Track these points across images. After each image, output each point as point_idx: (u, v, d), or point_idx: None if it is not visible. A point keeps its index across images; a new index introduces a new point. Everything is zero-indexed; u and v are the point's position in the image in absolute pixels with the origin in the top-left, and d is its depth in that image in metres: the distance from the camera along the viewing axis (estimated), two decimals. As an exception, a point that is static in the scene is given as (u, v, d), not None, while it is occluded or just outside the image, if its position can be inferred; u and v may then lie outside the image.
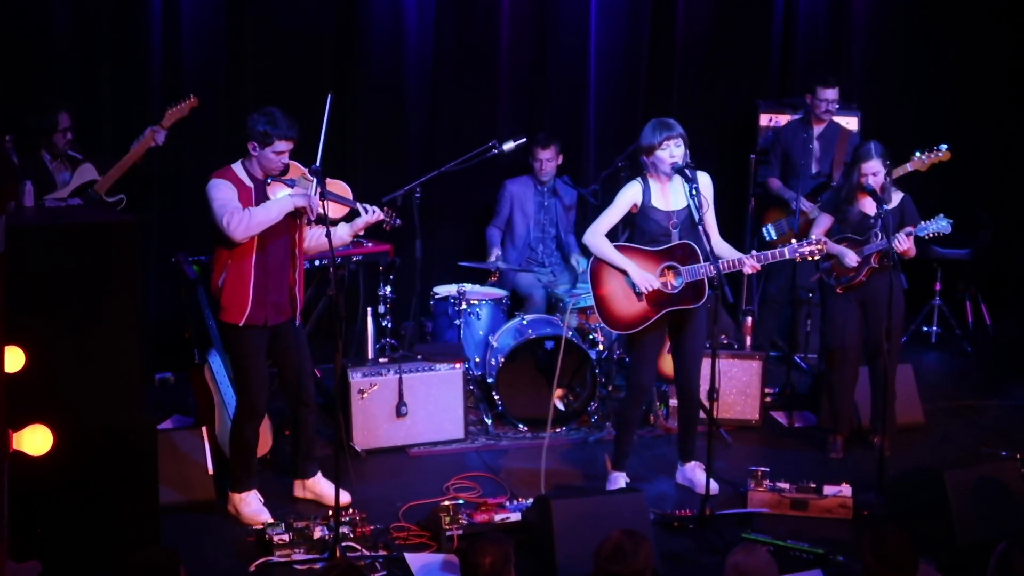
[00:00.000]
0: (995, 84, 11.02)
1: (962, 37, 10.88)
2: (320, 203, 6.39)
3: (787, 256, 6.92)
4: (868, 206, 7.51)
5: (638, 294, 6.86)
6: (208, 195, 6.47)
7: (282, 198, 6.51)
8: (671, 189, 6.90)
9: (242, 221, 6.38)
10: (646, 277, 6.84)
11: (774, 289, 9.26)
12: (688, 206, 6.85)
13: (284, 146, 6.50)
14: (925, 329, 10.29)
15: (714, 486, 6.97)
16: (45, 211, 5.90)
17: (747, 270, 6.92)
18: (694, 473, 7.24)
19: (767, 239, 8.98)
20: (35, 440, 4.23)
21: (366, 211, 6.80)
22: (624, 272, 6.87)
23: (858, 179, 7.44)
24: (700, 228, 6.77)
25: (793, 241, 6.96)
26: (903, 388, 8.04)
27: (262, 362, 6.71)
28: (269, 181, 6.56)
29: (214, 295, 6.66)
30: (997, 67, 10.98)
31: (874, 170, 7.40)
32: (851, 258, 7.46)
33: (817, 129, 9.17)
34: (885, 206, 7.31)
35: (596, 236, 6.91)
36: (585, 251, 7.07)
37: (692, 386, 7.15)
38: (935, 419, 8.46)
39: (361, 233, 7.00)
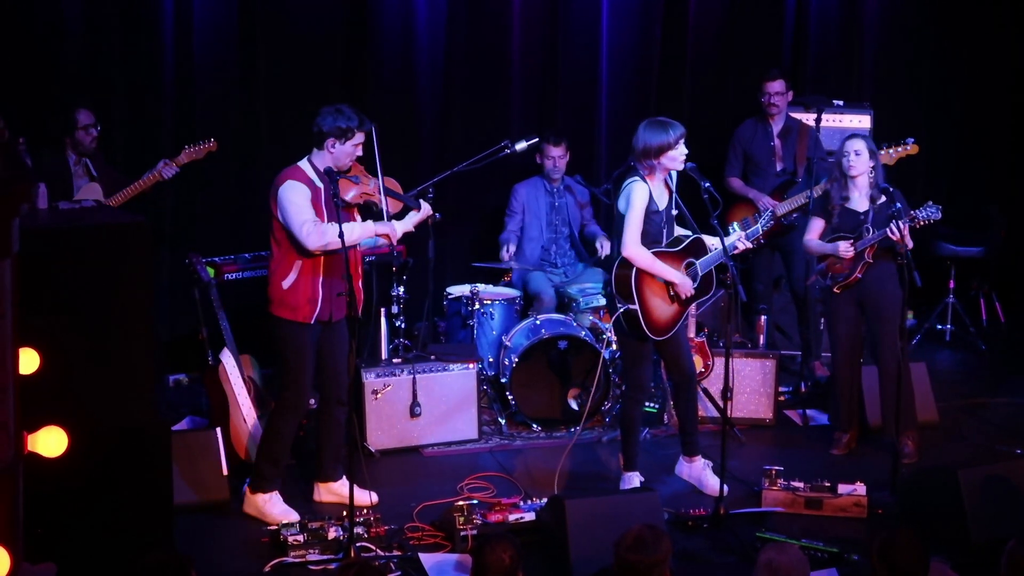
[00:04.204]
0: (1007, 82, 11.00)
1: (973, 35, 10.87)
2: (398, 233, 6.66)
3: (760, 231, 7.08)
4: (856, 203, 7.51)
5: (671, 297, 6.88)
6: (283, 197, 6.44)
7: (367, 227, 6.56)
8: (659, 189, 6.90)
9: (323, 236, 6.39)
10: (687, 283, 6.87)
11: (760, 287, 9.24)
12: (669, 204, 6.91)
13: (361, 138, 6.54)
14: (939, 327, 10.26)
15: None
16: (58, 213, 5.90)
17: (740, 247, 6.95)
18: (702, 472, 7.23)
19: None
20: (50, 442, 4.23)
21: (419, 207, 6.85)
22: (670, 282, 6.86)
23: (843, 163, 7.47)
24: (714, 225, 6.79)
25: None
26: (917, 386, 8.00)
27: (313, 358, 6.69)
28: (337, 178, 6.56)
29: (279, 296, 6.58)
30: (1009, 64, 10.96)
31: (855, 148, 7.43)
32: (844, 247, 7.43)
33: (776, 127, 9.15)
34: (879, 200, 7.33)
35: (638, 247, 6.78)
36: (622, 263, 6.95)
37: (691, 371, 7.18)
38: (949, 417, 8.44)
39: (412, 229, 6.98)
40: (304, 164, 6.58)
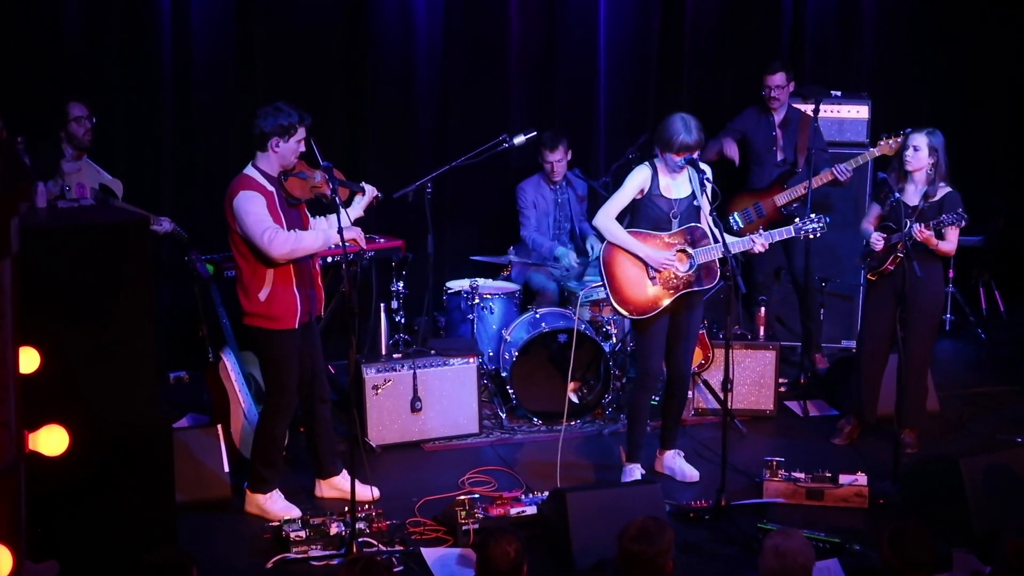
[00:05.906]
0: (1007, 70, 10.98)
1: (973, 24, 10.85)
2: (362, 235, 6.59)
3: (792, 234, 7.13)
4: (909, 196, 7.48)
5: (652, 278, 6.87)
6: (239, 209, 6.37)
7: (334, 232, 6.41)
8: (676, 178, 6.90)
9: (286, 243, 6.35)
10: (661, 256, 6.84)
11: (760, 277, 9.23)
12: (690, 195, 6.89)
13: (303, 133, 6.48)
14: (939, 316, 10.27)
15: (694, 473, 7.17)
16: (58, 212, 5.89)
17: (758, 248, 6.97)
18: (673, 461, 7.29)
19: (734, 228, 8.92)
20: (51, 440, 4.22)
21: (363, 190, 6.84)
22: (638, 256, 6.85)
23: (903, 156, 7.47)
24: (712, 217, 6.79)
25: (797, 220, 7.27)
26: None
27: (298, 359, 6.67)
28: (285, 178, 6.54)
29: (257, 309, 6.51)
30: (1009, 54, 10.95)
31: (915, 143, 7.43)
32: (875, 238, 7.44)
33: (778, 117, 9.12)
34: (896, 194, 7.35)
35: (608, 219, 6.87)
36: (599, 237, 7.05)
37: (686, 370, 7.19)
38: (950, 407, 8.45)
39: (363, 214, 6.97)
40: (250, 171, 6.51)
